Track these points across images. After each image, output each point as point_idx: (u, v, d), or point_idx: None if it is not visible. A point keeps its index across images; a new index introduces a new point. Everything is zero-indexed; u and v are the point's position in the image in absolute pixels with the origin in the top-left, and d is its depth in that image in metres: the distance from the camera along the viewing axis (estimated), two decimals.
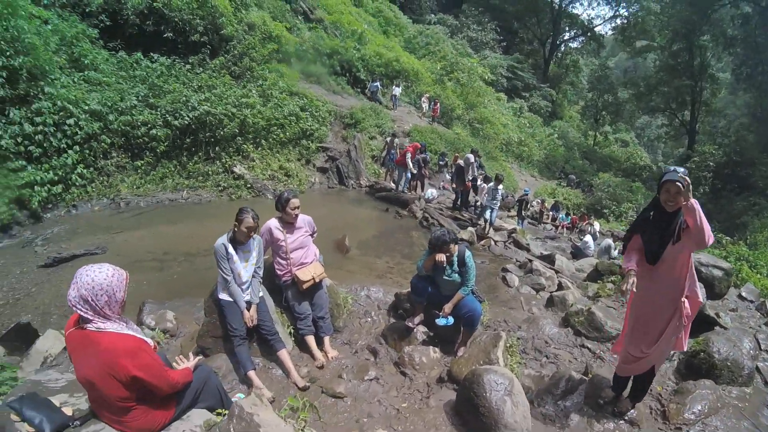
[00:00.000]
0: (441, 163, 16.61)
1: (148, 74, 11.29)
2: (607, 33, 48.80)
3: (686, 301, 2.76)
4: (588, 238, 12.02)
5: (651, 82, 36.53)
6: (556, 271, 7.83)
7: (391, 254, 8.02)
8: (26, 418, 2.15)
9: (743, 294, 6.29)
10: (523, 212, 14.10)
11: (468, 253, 3.94)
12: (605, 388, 3.39)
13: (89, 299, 1.96)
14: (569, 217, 17.66)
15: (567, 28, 46.44)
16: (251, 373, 3.36)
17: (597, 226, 13.90)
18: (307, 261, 3.96)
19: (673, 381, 3.88)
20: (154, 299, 5.02)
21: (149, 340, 2.21)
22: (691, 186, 2.51)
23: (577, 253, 11.70)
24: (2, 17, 8.06)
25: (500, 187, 8.87)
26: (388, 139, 14.21)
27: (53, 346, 3.81)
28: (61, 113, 8.93)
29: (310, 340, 3.91)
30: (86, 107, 9.38)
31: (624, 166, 35.11)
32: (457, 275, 3.94)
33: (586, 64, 49.46)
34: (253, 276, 3.53)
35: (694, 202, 2.47)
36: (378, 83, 19.63)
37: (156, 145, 10.53)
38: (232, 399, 2.83)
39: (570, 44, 49.65)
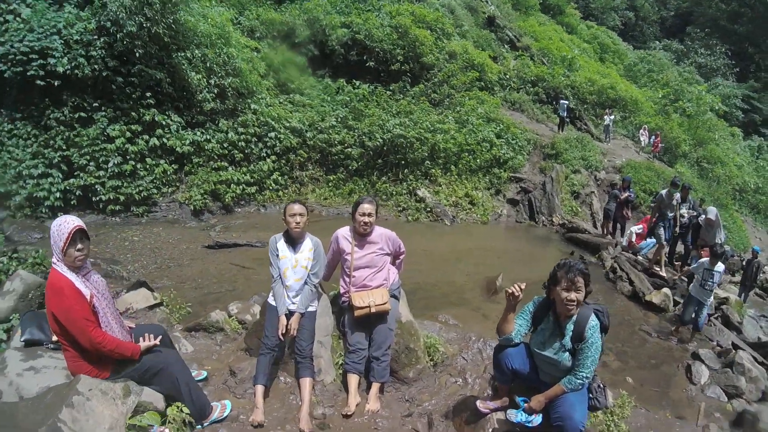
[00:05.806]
0: (653, 205, 13.50)
1: (351, 99, 12.24)
2: None
3: None
4: None
5: None
6: None
7: None
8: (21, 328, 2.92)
9: None
10: (748, 279, 10.07)
11: (594, 321, 2.39)
12: None
13: (51, 240, 2.32)
14: None
15: None
16: (258, 388, 2.97)
17: None
18: (371, 284, 3.27)
19: None
20: None
21: (86, 290, 2.31)
22: None
23: None
24: (216, 45, 9.92)
25: (719, 267, 6.04)
26: (617, 186, 10.41)
27: (137, 302, 4.15)
28: (264, 127, 10.47)
29: (352, 379, 3.17)
30: (287, 124, 10.65)
31: None
32: (566, 355, 2.46)
33: None
34: (306, 282, 3.18)
35: None
36: (566, 102, 16.79)
37: (349, 163, 11.36)
38: (217, 403, 2.83)
39: None
